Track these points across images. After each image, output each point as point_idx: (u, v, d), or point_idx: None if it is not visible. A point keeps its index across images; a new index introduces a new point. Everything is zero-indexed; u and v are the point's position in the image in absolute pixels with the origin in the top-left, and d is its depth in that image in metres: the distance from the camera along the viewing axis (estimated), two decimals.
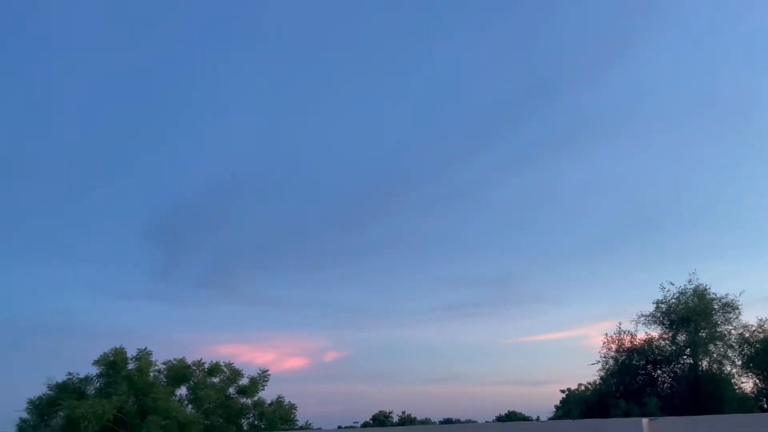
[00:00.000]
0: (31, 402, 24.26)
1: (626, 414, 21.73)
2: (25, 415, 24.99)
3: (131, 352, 23.87)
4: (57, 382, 23.62)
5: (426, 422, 58.85)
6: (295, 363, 61.01)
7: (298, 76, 70.98)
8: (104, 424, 21.06)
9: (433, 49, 69.32)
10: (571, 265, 73.81)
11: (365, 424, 60.76)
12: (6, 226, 66.04)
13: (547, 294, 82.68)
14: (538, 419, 51.06)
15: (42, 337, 56.91)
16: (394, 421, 61.06)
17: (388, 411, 63.64)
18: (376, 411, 63.52)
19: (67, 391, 23.09)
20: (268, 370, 25.12)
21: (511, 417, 53.52)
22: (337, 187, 76.16)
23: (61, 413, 22.30)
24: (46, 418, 23.19)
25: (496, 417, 55.13)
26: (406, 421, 59.72)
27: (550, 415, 33.59)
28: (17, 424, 24.78)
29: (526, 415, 53.09)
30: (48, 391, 24.10)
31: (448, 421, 64.16)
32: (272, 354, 63.62)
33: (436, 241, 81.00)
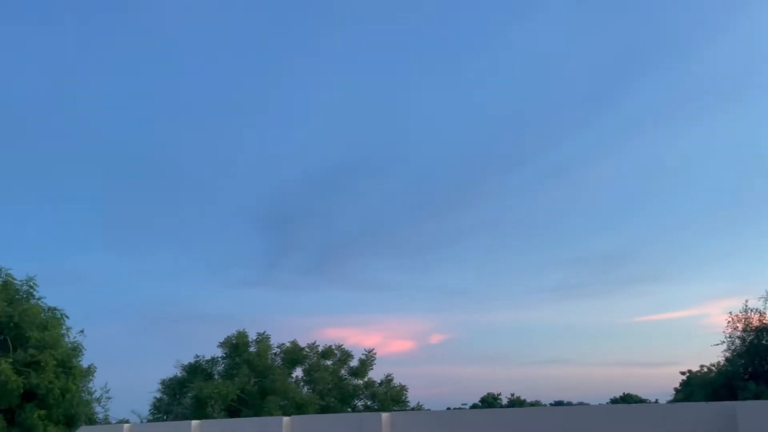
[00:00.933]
0: (163, 383, 26.33)
1: (756, 397, 20.44)
2: (158, 395, 27.17)
3: (251, 336, 25.31)
4: (187, 364, 25.47)
5: (536, 404, 58.00)
6: (400, 345, 61.97)
7: (398, 58, 71.27)
8: (228, 403, 22.48)
9: (531, 19, 67.25)
10: (687, 240, 69.73)
11: (474, 407, 60.78)
12: (135, 220, 71.50)
13: (661, 272, 78.59)
14: (656, 402, 48.98)
15: (168, 322, 61.35)
16: (503, 404, 60.63)
17: (496, 393, 63.33)
18: (484, 393, 63.38)
19: (196, 372, 24.85)
20: (373, 350, 25.76)
21: (626, 400, 51.64)
22: (441, 169, 75.97)
23: (190, 394, 24.07)
24: (178, 397, 25.09)
25: (610, 400, 53.37)
26: (516, 403, 59.12)
27: (669, 398, 32.14)
28: (152, 404, 26.99)
29: (643, 397, 51.06)
30: (178, 373, 26.09)
31: (559, 404, 62.84)
32: (378, 337, 64.96)
33: (542, 220, 79.04)
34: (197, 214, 75.78)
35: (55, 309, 19.98)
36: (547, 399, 59.01)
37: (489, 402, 61.74)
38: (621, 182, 75.56)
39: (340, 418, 11.40)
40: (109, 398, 20.81)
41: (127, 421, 22.14)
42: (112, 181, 71.26)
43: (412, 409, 25.11)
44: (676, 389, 30.59)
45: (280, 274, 72.28)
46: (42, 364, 17.64)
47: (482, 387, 64.24)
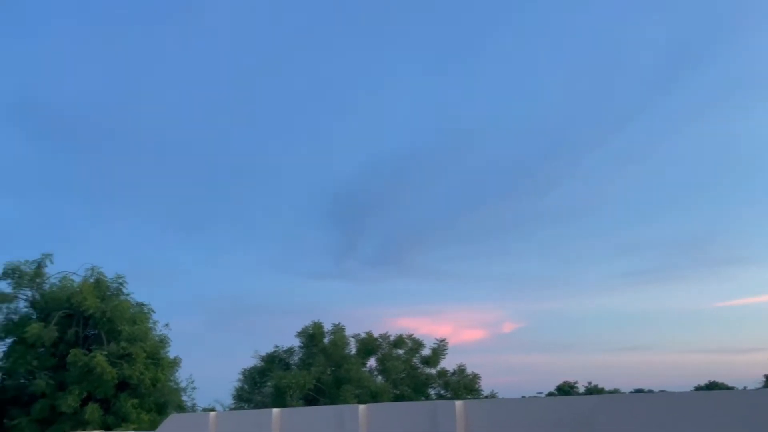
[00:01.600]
0: (244, 373, 27.42)
1: None
2: (239, 384, 28.31)
3: (326, 327, 25.99)
4: (266, 354, 26.42)
5: (615, 393, 56.57)
6: (472, 335, 61.76)
7: (463, 45, 70.65)
8: (306, 393, 23.18)
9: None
10: None
11: (549, 395, 59.91)
12: (210, 216, 74.21)
13: (743, 254, 74.72)
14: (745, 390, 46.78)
15: (243, 315, 63.52)
16: (581, 392, 59.48)
17: (572, 381, 62.18)
18: (560, 381, 62.33)
19: (275, 362, 25.75)
20: (445, 339, 25.95)
21: (712, 388, 49.63)
22: (508, 156, 74.96)
23: (269, 383, 24.98)
24: (258, 386, 26.09)
25: (695, 387, 51.47)
26: (593, 391, 57.89)
27: (759, 385, 30.72)
28: (233, 393, 28.15)
29: (729, 385, 48.93)
30: (257, 363, 27.11)
31: (639, 392, 61.06)
32: (449, 326, 64.94)
33: (616, 204, 76.68)
34: (268, 208, 77.84)
35: (142, 304, 21.19)
36: (626, 387, 57.48)
37: (565, 391, 60.72)
38: (697, 161, 72.27)
39: (414, 406, 11.59)
40: (194, 388, 21.96)
41: (212, 410, 23.26)
42: (185, 180, 74.25)
43: (486, 397, 25.13)
44: (766, 376, 29.20)
45: (350, 266, 73.39)
46: (133, 356, 18.78)
47: (557, 376, 63.29)
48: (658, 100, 72.14)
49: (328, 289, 66.82)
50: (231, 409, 26.46)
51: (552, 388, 62.98)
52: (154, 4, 65.53)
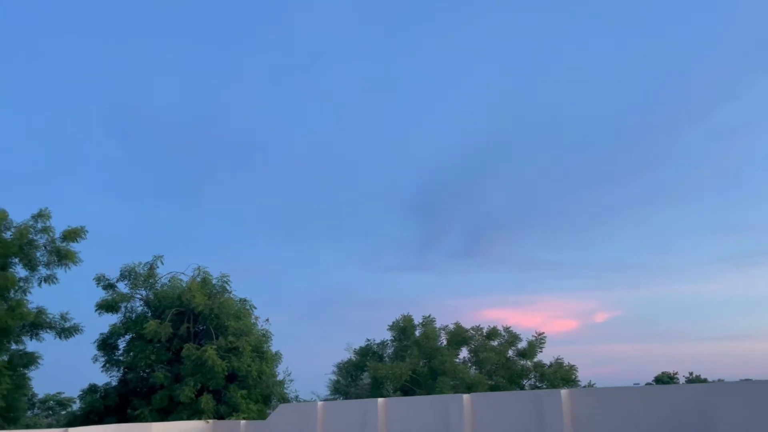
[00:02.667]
0: (339, 366, 28.35)
1: None
2: (333, 377, 29.31)
3: (416, 320, 26.49)
4: (359, 348, 27.24)
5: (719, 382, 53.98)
6: (563, 325, 60.59)
7: (541, 28, 69.21)
8: (402, 384, 23.75)
9: None
10: None
11: (647, 385, 57.85)
12: (297, 214, 76.56)
13: None
14: None
15: (332, 307, 65.20)
16: (681, 383, 57.17)
17: (672, 372, 59.69)
18: (658, 372, 59.99)
19: (368, 354, 26.50)
20: (543, 333, 25.83)
21: None
22: (596, 140, 72.78)
23: (365, 375, 25.75)
24: (354, 378, 26.95)
25: None
26: (695, 382, 55.52)
27: None
28: (329, 386, 29.16)
29: None
30: (351, 356, 27.99)
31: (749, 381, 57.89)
32: (539, 317, 64.00)
33: (715, 184, 72.83)
34: (353, 203, 79.47)
35: (245, 300, 22.38)
36: (731, 377, 54.70)
37: (665, 381, 58.51)
38: None
39: (518, 395, 11.79)
40: (291, 380, 22.95)
41: (316, 400, 24.25)
42: (275, 181, 76.89)
43: (584, 387, 24.82)
44: None
45: (435, 258, 73.71)
46: (240, 349, 19.93)
47: (655, 366, 60.94)
48: (757, 74, 67.93)
49: (414, 281, 67.51)
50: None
51: (650, 378, 60.79)
52: (235, 21, 68.20)
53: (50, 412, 48.36)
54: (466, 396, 11.57)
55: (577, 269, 72.78)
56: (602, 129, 72.43)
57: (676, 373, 59.62)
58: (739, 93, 69.29)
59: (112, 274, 22.19)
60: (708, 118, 69.68)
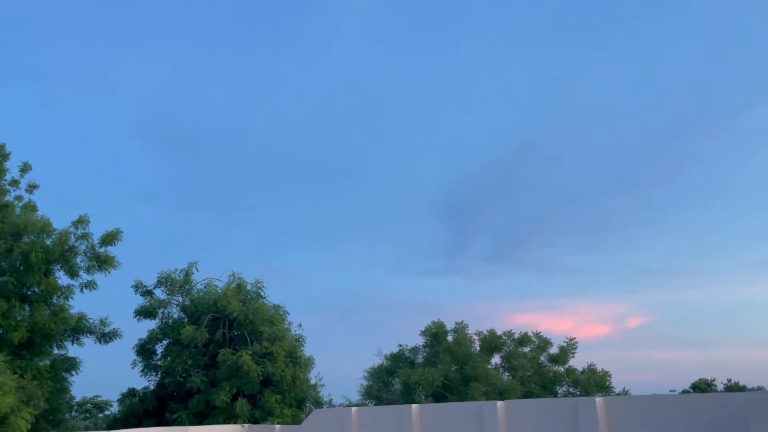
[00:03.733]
0: (370, 371, 28.46)
1: None
2: (364, 382, 29.41)
3: (448, 325, 26.49)
4: (390, 353, 27.33)
5: (760, 390, 52.64)
6: (595, 330, 59.76)
7: (564, 33, 68.61)
8: (434, 389, 23.76)
9: None
10: None
11: (684, 393, 56.78)
12: (326, 219, 76.99)
13: None
14: None
15: (362, 312, 65.44)
16: (719, 390, 55.91)
17: (710, 378, 58.38)
18: (695, 379, 58.75)
19: (400, 360, 26.58)
20: (575, 338, 25.59)
21: None
22: (629, 142, 71.84)
23: (397, 380, 25.82)
24: (386, 384, 27.03)
25: None
26: (734, 389, 54.24)
27: None
28: (361, 391, 29.26)
29: None
30: (382, 361, 28.10)
31: None
32: (570, 321, 63.28)
33: (752, 186, 71.15)
34: (381, 208, 79.72)
35: (278, 306, 22.67)
36: None
37: (702, 388, 57.27)
38: None
39: (554, 403, 11.76)
40: (322, 385, 23.12)
41: (350, 405, 24.39)
42: (306, 187, 77.51)
43: (618, 394, 24.50)
44: None
45: (465, 262, 73.47)
46: (274, 354, 20.21)
47: (692, 373, 59.78)
48: None
49: (444, 286, 67.36)
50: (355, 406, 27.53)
51: (686, 385, 59.59)
52: (272, 30, 69.04)
53: (87, 414, 49.46)
54: (500, 403, 11.61)
55: (608, 273, 71.91)
56: (635, 131, 71.54)
57: (713, 380, 58.29)
58: None
59: (148, 279, 22.75)
60: (746, 118, 68.24)
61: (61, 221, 21.29)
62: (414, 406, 13.23)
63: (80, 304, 22.14)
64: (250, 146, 77.26)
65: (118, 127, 76.56)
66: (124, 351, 22.59)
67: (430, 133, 77.55)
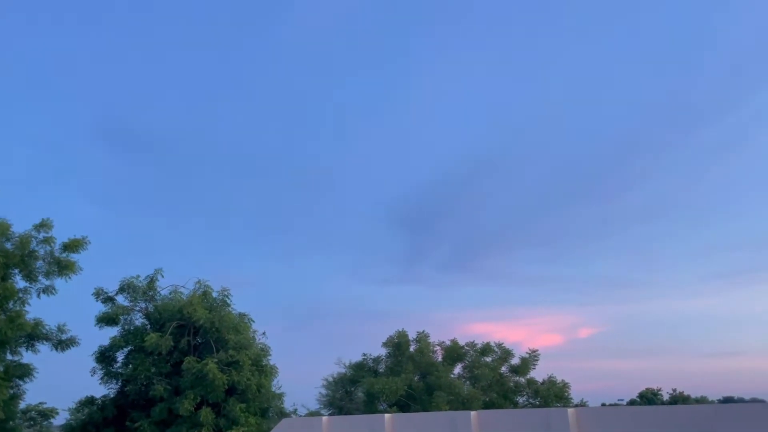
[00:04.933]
0: (334, 380, 28.50)
1: None
2: (323, 391, 29.43)
3: (392, 333, 26.75)
4: (354, 362, 27.46)
5: (702, 401, 54.61)
6: (547, 340, 61.08)
7: (522, 48, 70.21)
8: (398, 398, 23.99)
9: None
10: None
11: (631, 402, 58.44)
12: (282, 226, 76.46)
13: None
14: None
15: (318, 320, 65.20)
16: (664, 400, 57.77)
17: (656, 388, 60.36)
18: (642, 388, 60.65)
19: (363, 369, 26.73)
20: (537, 350, 26.25)
21: None
22: (582, 158, 73.88)
23: (361, 389, 25.96)
24: (348, 393, 27.14)
25: None
26: (679, 399, 56.17)
27: None
28: (319, 399, 29.25)
29: None
30: (343, 371, 28.18)
31: (728, 400, 58.65)
32: (523, 331, 64.59)
33: (701, 202, 74.01)
34: (341, 216, 79.74)
35: (243, 314, 22.54)
36: (714, 395, 55.50)
37: (648, 398, 59.13)
38: None
39: (527, 413, 12.10)
40: (282, 393, 23.05)
41: (318, 413, 24.30)
42: (263, 192, 76.90)
43: (576, 405, 25.21)
44: None
45: (422, 271, 74.12)
46: (240, 363, 20.08)
47: (640, 382, 61.74)
48: (746, 95, 69.43)
49: (403, 294, 67.80)
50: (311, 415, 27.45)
51: (634, 395, 61.42)
52: (229, 31, 68.47)
53: (32, 422, 47.78)
54: (473, 413, 11.89)
55: (562, 284, 73.63)
56: (592, 147, 73.67)
57: (660, 390, 60.26)
58: (731, 112, 70.82)
59: (107, 285, 22.35)
60: (696, 137, 71.07)
61: (19, 224, 20.74)
62: (387, 415, 13.40)
63: (36, 309, 21.54)
64: (212, 152, 76.32)
65: (73, 129, 74.53)
66: (76, 358, 22.08)
67: (392, 144, 78.21)
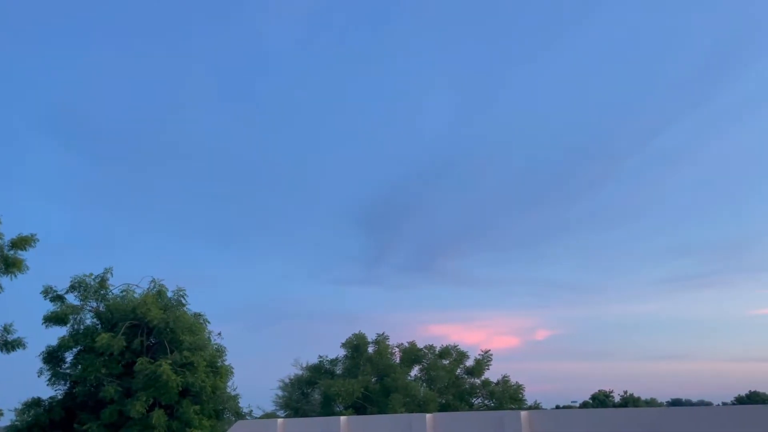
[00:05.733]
0: (291, 382, 28.25)
1: None
2: (279, 392, 29.15)
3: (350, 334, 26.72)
4: (311, 364, 27.28)
5: (651, 403, 56.18)
6: (504, 342, 61.93)
7: (486, 55, 71.04)
8: (354, 400, 23.94)
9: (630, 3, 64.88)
10: None
11: (584, 404, 59.69)
12: (243, 226, 75.58)
13: None
14: None
15: (278, 320, 64.63)
16: (616, 401, 59.15)
17: (608, 390, 61.78)
18: (595, 390, 62.02)
19: (320, 371, 26.58)
20: (490, 351, 26.55)
21: (753, 398, 49.07)
22: (541, 163, 75.19)
23: (317, 391, 25.81)
24: (305, 394, 26.95)
25: (735, 398, 50.89)
26: (629, 401, 57.58)
27: None
28: (276, 401, 28.95)
29: None
30: (300, 372, 27.98)
31: (676, 402, 60.44)
32: (481, 333, 65.36)
33: (652, 210, 76.14)
34: (302, 217, 79.29)
35: (199, 314, 22.14)
36: (663, 397, 57.16)
37: (600, 400, 60.44)
38: (734, 166, 71.44)
39: (481, 416, 12.18)
40: (238, 395, 22.73)
41: (274, 415, 24.03)
42: (222, 192, 75.85)
43: (530, 407, 25.59)
44: None
45: (382, 272, 74.30)
46: (195, 364, 19.72)
47: (593, 384, 63.14)
48: (697, 105, 71.82)
49: (361, 295, 67.80)
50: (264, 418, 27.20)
51: (587, 397, 62.74)
52: (191, 24, 67.36)
53: None
54: (429, 415, 11.93)
55: (520, 287, 74.78)
56: (549, 152, 74.98)
57: (611, 392, 61.69)
58: (682, 121, 72.95)
59: (57, 283, 21.65)
60: (650, 146, 73.04)
61: None
62: (342, 417, 13.35)
63: None
64: (172, 150, 74.89)
65: (22, 121, 72.16)
66: (22, 358, 21.31)
67: (352, 145, 78.16)
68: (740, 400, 49.60)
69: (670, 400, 59.13)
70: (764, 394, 49.43)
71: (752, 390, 52.00)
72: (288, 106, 75.32)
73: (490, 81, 72.58)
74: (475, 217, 76.88)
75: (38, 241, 20.40)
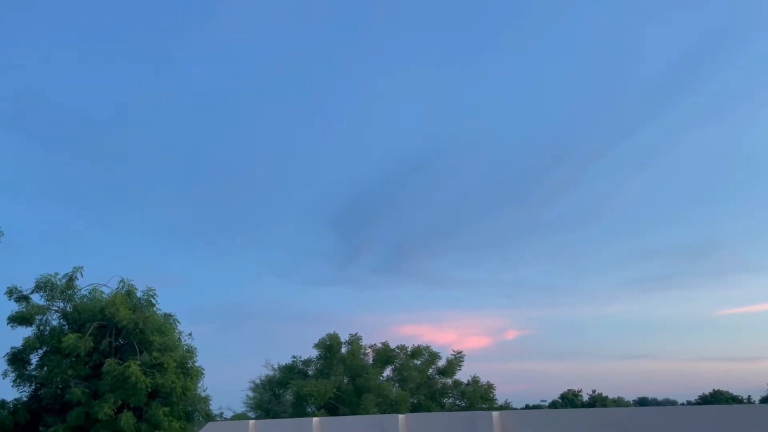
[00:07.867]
0: (256, 382, 28.09)
1: None
2: (250, 393, 28.95)
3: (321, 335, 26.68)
4: (283, 364, 27.13)
5: (619, 402, 57.11)
6: (475, 342, 62.39)
7: (465, 52, 71.46)
8: (327, 401, 23.87)
9: (602, 5, 65.90)
10: None
11: (553, 404, 60.46)
12: (215, 225, 74.79)
13: (749, 262, 75.28)
14: (749, 399, 47.34)
15: (249, 321, 64.10)
16: (584, 400, 60.01)
17: (577, 390, 62.67)
18: (564, 390, 62.83)
19: (293, 372, 26.45)
20: (462, 352, 26.73)
21: (717, 396, 50.25)
22: (514, 163, 75.82)
23: (289, 391, 25.67)
24: (277, 395, 26.79)
25: (699, 397, 52.05)
26: (597, 400, 58.46)
27: (765, 394, 31.37)
28: (247, 402, 28.74)
29: (734, 394, 49.51)
30: (272, 373, 27.83)
31: (643, 401, 61.57)
32: (452, 334, 65.71)
33: (622, 212, 77.43)
34: (273, 217, 78.77)
35: (169, 315, 21.85)
36: (630, 396, 58.13)
37: (569, 399, 61.26)
38: (703, 169, 73.05)
39: (453, 417, 12.26)
40: (208, 396, 22.48)
41: (245, 417, 23.80)
42: (191, 190, 74.95)
43: (501, 407, 25.83)
44: None
45: (354, 273, 74.23)
46: (165, 365, 19.45)
47: (562, 384, 63.93)
48: (665, 108, 73.22)
49: (332, 296, 67.61)
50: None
51: (556, 396, 63.50)
52: (165, 13, 66.46)
53: None
54: (402, 416, 11.95)
55: (490, 288, 75.34)
56: (519, 154, 75.73)
57: (580, 391, 62.56)
58: (651, 123, 74.38)
59: (21, 283, 21.15)
60: (619, 148, 74.30)
61: None
62: (315, 419, 13.30)
63: None
64: (143, 148, 73.72)
65: None
66: None
67: (324, 144, 77.90)
68: (704, 399, 50.76)
69: (636, 398, 60.20)
70: (727, 392, 50.65)
71: (716, 389, 53.30)
72: (260, 107, 74.76)
73: (461, 82, 73.05)
74: (446, 218, 77.37)
75: (1, 235, 19.92)
